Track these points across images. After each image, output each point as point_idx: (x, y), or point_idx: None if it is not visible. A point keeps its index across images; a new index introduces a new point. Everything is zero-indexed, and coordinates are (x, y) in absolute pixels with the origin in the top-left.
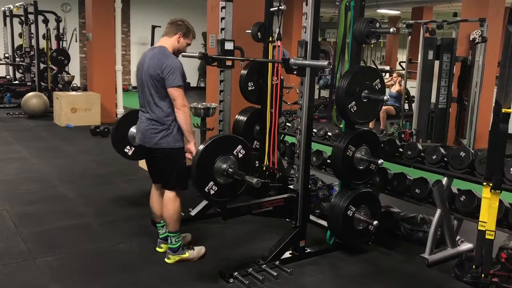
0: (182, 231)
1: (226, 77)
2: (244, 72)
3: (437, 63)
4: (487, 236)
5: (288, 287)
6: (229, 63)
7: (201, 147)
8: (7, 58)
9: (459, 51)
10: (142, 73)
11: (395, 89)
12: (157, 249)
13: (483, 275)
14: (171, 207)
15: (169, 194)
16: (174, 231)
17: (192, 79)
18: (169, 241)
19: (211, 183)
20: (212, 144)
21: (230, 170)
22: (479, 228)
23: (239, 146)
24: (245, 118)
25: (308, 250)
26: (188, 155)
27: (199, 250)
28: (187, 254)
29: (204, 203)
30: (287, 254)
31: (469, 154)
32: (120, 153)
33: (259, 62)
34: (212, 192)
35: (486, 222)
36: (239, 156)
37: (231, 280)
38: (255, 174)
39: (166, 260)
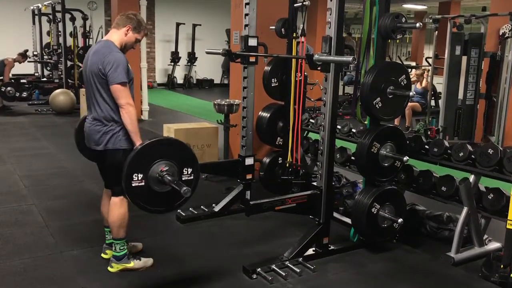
0: (139, 239)
1: (250, 73)
2: (267, 68)
3: (464, 58)
4: None
5: (311, 284)
6: (252, 59)
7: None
8: (36, 56)
9: (488, 46)
10: (86, 70)
11: (420, 85)
12: (102, 255)
13: (511, 275)
14: (115, 213)
15: (115, 199)
16: (118, 238)
17: (216, 76)
18: (113, 248)
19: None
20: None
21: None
22: (508, 227)
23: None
24: (269, 115)
25: (332, 247)
26: None
27: (145, 261)
28: (132, 264)
29: (227, 199)
30: (310, 251)
31: (497, 151)
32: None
33: (283, 58)
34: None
35: None
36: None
37: (254, 276)
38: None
39: (109, 268)
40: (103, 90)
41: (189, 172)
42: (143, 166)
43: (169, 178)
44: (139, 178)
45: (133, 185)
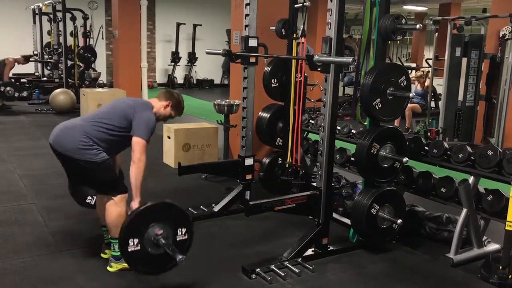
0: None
1: (250, 74)
2: (267, 69)
3: (464, 60)
4: None
5: (310, 284)
6: (252, 60)
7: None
8: (36, 55)
9: (488, 47)
10: (121, 101)
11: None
12: (101, 254)
13: (510, 276)
14: (112, 213)
15: (111, 200)
16: (116, 237)
17: (216, 76)
18: (112, 248)
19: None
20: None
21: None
22: (507, 228)
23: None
24: (269, 115)
25: (331, 248)
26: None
27: None
28: None
29: (227, 199)
30: (309, 252)
31: (497, 153)
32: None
33: (283, 59)
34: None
35: None
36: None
37: (253, 276)
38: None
39: (108, 268)
40: (115, 126)
41: (183, 232)
42: (138, 231)
43: (163, 241)
44: (135, 243)
45: (129, 250)
